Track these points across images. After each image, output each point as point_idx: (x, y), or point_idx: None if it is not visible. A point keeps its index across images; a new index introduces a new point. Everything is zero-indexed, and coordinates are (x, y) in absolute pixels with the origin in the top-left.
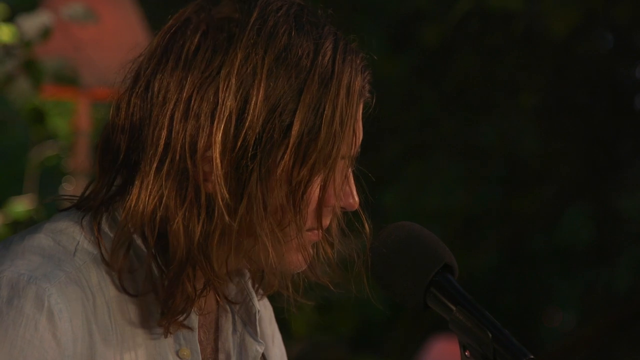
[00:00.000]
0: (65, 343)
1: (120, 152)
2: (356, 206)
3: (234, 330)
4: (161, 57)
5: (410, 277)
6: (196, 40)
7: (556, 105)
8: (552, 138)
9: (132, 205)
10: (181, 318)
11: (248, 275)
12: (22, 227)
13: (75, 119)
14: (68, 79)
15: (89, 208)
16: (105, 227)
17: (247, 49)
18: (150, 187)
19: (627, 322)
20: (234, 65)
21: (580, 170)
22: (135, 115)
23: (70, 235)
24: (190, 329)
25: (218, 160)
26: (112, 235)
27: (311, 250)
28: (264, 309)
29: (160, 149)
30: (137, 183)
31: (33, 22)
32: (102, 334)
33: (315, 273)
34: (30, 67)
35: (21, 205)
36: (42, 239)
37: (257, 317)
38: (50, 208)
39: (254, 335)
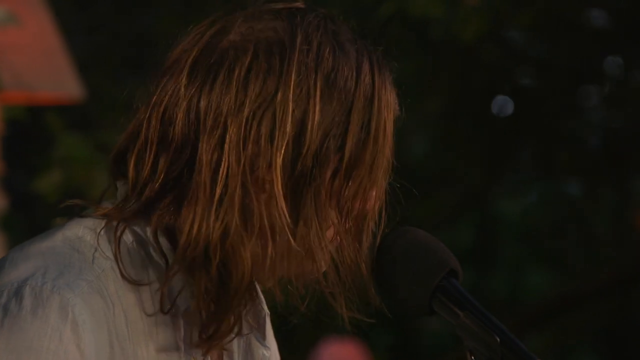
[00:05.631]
0: (88, 355)
1: (158, 167)
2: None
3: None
4: (206, 73)
5: (415, 283)
6: (247, 62)
7: (456, 111)
8: (449, 143)
9: (195, 232)
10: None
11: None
12: None
13: None
14: None
15: (111, 218)
16: (127, 240)
17: (299, 72)
18: (214, 215)
19: (519, 330)
20: (288, 88)
21: (473, 176)
22: (177, 132)
23: (87, 242)
24: (227, 350)
25: (279, 183)
26: (136, 248)
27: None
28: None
29: (220, 175)
30: (195, 209)
31: None
32: (121, 343)
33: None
34: None
35: None
36: (60, 246)
37: (267, 321)
38: None
39: (261, 339)
